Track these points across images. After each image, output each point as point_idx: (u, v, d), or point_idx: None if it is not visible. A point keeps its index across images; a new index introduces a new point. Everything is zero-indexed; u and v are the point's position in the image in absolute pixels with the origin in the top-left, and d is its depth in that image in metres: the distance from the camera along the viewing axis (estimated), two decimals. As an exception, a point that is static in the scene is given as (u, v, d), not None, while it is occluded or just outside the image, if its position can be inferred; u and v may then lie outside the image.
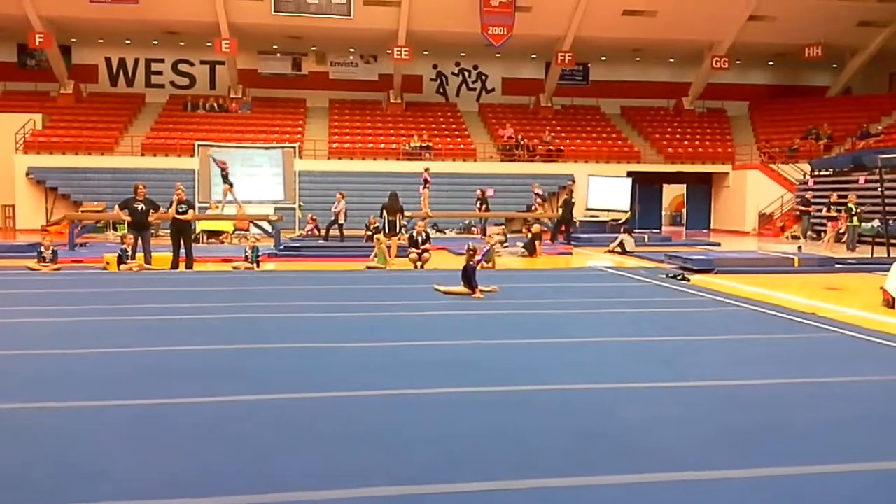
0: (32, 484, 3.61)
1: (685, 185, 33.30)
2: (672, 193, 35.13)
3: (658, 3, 29.06)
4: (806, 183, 27.36)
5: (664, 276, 12.98)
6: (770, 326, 8.32)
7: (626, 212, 26.84)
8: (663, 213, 34.17)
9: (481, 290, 10.16)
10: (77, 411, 4.85)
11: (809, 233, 24.46)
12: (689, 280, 12.46)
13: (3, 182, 27.53)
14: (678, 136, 33.26)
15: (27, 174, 26.87)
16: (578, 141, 31.91)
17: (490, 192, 24.57)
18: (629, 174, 29.30)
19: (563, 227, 21.49)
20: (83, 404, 4.98)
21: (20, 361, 6.24)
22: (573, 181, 29.23)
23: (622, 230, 19.74)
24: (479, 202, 23.80)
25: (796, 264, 14.56)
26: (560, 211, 21.98)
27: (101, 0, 26.92)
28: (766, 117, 34.56)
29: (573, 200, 21.70)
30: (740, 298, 10.37)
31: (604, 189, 28.15)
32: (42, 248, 13.87)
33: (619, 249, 18.43)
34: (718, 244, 21.94)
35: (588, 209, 27.90)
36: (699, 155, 31.80)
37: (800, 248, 19.73)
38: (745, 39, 30.75)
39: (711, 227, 32.01)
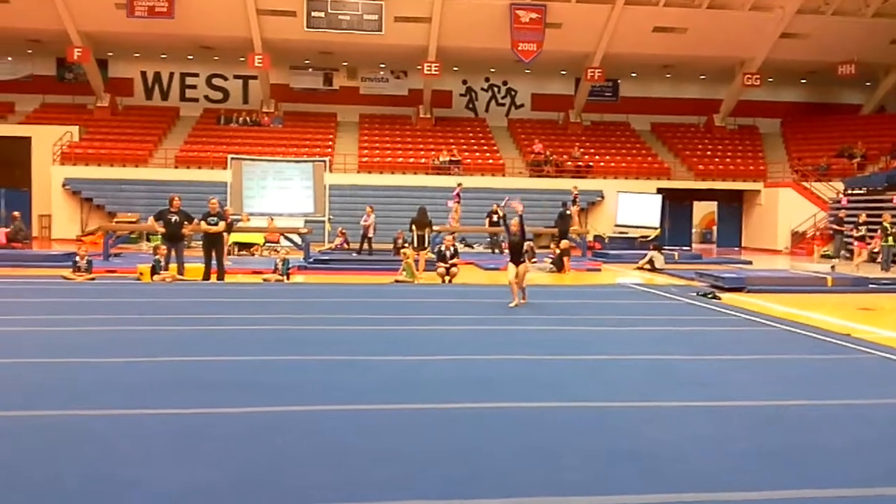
0: (67, 492, 3.68)
1: (716, 203, 33.00)
2: (702, 211, 34.82)
3: (689, 20, 28.96)
4: (839, 202, 26.99)
5: (695, 293, 12.87)
6: (803, 347, 8.22)
7: (656, 228, 26.67)
8: (693, 230, 33.87)
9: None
10: (110, 420, 4.93)
11: (843, 252, 24.10)
12: (720, 298, 12.34)
13: (40, 192, 28.13)
14: (709, 152, 33.01)
15: (63, 185, 27.40)
16: (608, 157, 31.81)
17: (518, 209, 24.54)
18: (659, 191, 29.13)
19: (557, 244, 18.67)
20: (117, 413, 5.06)
21: (55, 370, 6.36)
22: (602, 197, 29.18)
23: (652, 247, 19.61)
24: (493, 215, 23.55)
25: (829, 284, 14.37)
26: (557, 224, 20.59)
27: (138, 15, 27.44)
28: (799, 135, 34.19)
29: (568, 212, 20.96)
30: (772, 318, 10.26)
31: (633, 205, 28.00)
32: (77, 258, 14.12)
33: (648, 266, 18.31)
34: (750, 262, 21.70)
35: (617, 225, 27.76)
36: (730, 172, 31.53)
37: (833, 267, 19.43)
38: (778, 56, 30.50)
39: (742, 245, 31.65)
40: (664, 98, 35.41)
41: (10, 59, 32.20)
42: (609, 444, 4.59)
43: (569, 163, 30.80)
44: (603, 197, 29.28)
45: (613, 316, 10.23)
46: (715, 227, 34.31)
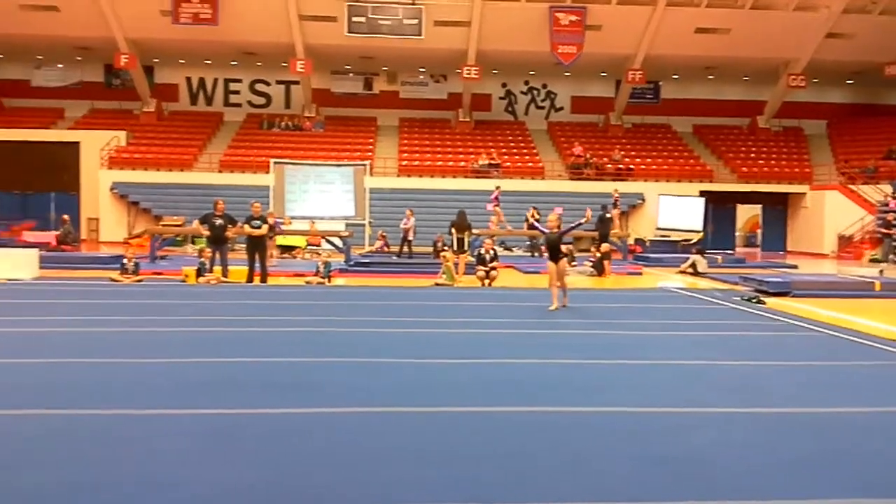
0: (110, 490, 3.78)
1: (760, 206, 32.48)
2: (746, 214, 34.25)
3: (732, 21, 28.59)
4: (887, 205, 26.36)
5: (738, 298, 12.71)
6: (849, 353, 8.07)
7: (699, 232, 26.34)
8: (737, 233, 33.35)
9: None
10: (153, 419, 5.04)
11: (891, 256, 23.55)
12: (764, 303, 12.17)
13: (88, 196, 28.87)
14: (753, 155, 32.51)
15: (111, 189, 28.07)
16: (649, 160, 31.53)
17: (558, 211, 24.42)
18: (701, 193, 28.76)
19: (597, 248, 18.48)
20: (160, 412, 5.18)
21: (102, 370, 6.53)
22: (643, 200, 28.92)
23: (694, 251, 19.38)
24: (531, 219, 23.48)
25: (877, 288, 14.06)
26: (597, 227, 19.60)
27: (183, 22, 27.99)
28: (846, 137, 33.48)
29: (609, 216, 20.58)
30: (818, 323, 10.08)
31: (675, 208, 27.69)
32: (125, 261, 14.45)
33: (690, 270, 18.10)
34: (795, 266, 21.31)
35: (658, 229, 27.48)
36: (775, 175, 31.01)
37: (881, 271, 19.00)
38: (823, 57, 29.92)
39: (787, 248, 31.10)
40: (706, 100, 34.96)
41: (60, 66, 33.09)
42: (646, 449, 4.56)
43: (609, 165, 30.59)
44: (644, 200, 29.02)
45: (654, 320, 10.15)
46: (759, 231, 33.73)
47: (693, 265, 18.17)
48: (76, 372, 6.39)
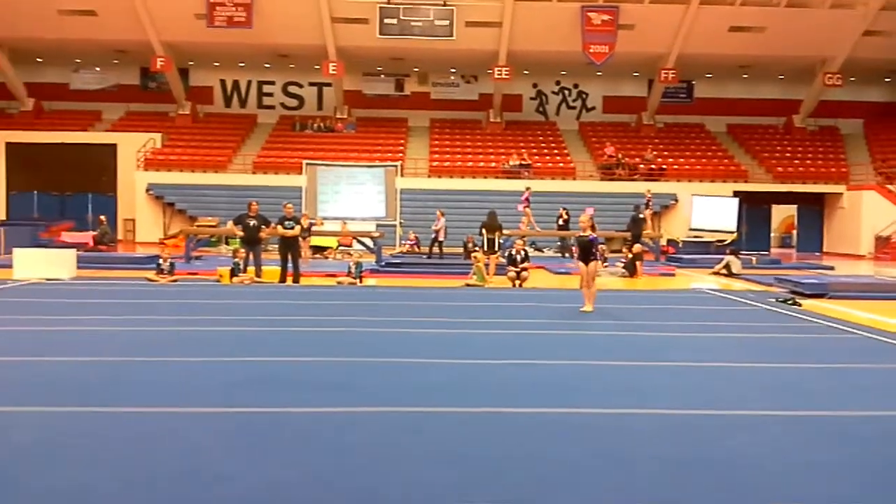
0: (157, 486, 3.87)
1: (796, 206, 32.02)
2: (781, 214, 33.80)
3: (766, 19, 28.21)
4: (928, 205, 25.84)
5: (774, 300, 12.56)
6: (887, 355, 7.95)
7: (732, 232, 26.04)
8: (772, 234, 32.92)
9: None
10: (194, 417, 5.15)
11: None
12: (800, 305, 12.01)
13: (125, 197, 29.38)
14: (788, 154, 32.05)
15: (147, 190, 28.51)
16: (682, 160, 31.24)
17: (590, 211, 24.28)
18: (736, 194, 28.43)
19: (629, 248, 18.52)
20: (199, 410, 5.28)
21: (140, 368, 6.66)
22: (676, 200, 28.67)
23: (728, 251, 19.18)
24: (560, 220, 23.46)
25: (917, 291, 13.79)
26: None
27: (218, 25, 28.34)
28: (883, 136, 32.84)
29: (641, 216, 20.38)
30: (855, 325, 9.93)
31: (708, 209, 27.39)
32: (160, 261, 14.68)
33: (724, 271, 17.92)
34: (832, 268, 20.97)
35: (691, 229, 27.22)
36: (811, 174, 30.54)
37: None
38: (860, 55, 29.39)
39: (823, 249, 30.61)
40: (741, 99, 34.53)
41: (97, 69, 33.67)
42: (682, 452, 4.55)
43: (641, 166, 30.37)
44: (677, 200, 28.77)
45: (688, 321, 10.08)
46: (795, 231, 33.26)
47: (727, 266, 17.98)
48: (117, 370, 6.52)
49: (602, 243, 21.58)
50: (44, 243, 20.33)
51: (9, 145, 29.85)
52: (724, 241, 24.55)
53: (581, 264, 10.97)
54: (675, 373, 6.89)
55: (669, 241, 25.61)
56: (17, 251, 14.83)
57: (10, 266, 14.54)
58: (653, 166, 30.35)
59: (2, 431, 4.73)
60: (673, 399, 5.86)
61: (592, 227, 11.03)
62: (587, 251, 10.87)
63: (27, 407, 5.27)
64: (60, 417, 5.06)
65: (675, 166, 30.64)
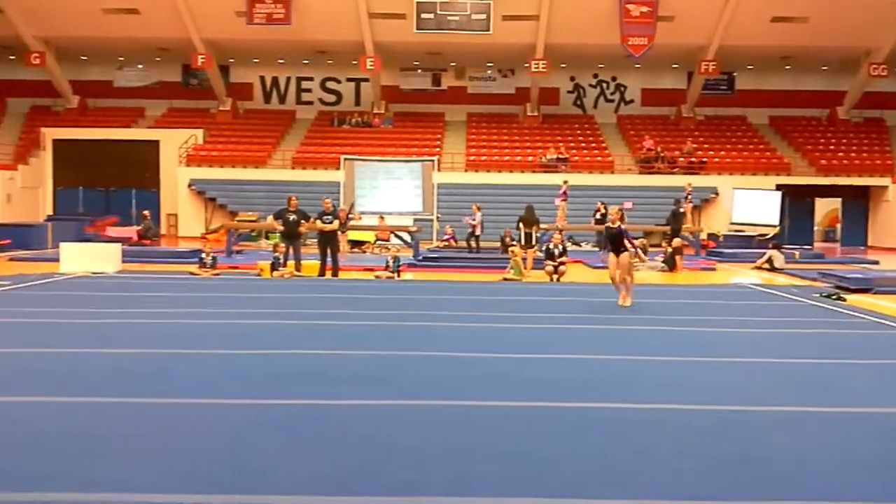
0: (207, 476, 3.96)
1: (840, 199, 31.37)
2: (825, 208, 33.14)
3: (810, 9, 27.63)
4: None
5: (817, 295, 12.35)
6: (936, 352, 7.77)
7: (775, 226, 25.62)
8: (815, 228, 32.31)
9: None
10: (235, 408, 5.23)
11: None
12: (844, 300, 11.79)
13: (167, 192, 29.92)
14: (832, 147, 31.40)
15: (189, 185, 28.98)
16: (723, 153, 30.80)
17: (628, 205, 24.09)
18: (778, 187, 27.96)
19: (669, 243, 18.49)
20: (240, 402, 5.36)
21: (184, 360, 6.79)
22: (717, 194, 28.30)
23: (770, 246, 18.88)
24: (598, 214, 23.30)
25: (967, 286, 13.44)
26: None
27: (257, 22, 28.65)
28: (931, 127, 32.04)
29: (681, 210, 20.12)
30: (901, 321, 9.73)
31: (750, 202, 26.99)
32: (203, 255, 14.93)
33: (766, 266, 17.65)
34: (877, 262, 20.52)
35: (733, 223, 26.85)
36: (855, 167, 29.90)
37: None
38: (907, 45, 28.70)
39: (868, 244, 29.95)
40: (783, 91, 33.90)
41: (140, 66, 34.27)
42: (724, 448, 4.52)
43: (681, 159, 30.01)
44: (717, 194, 28.40)
45: (729, 317, 9.95)
46: (839, 225, 32.60)
47: (769, 260, 17.71)
48: (160, 361, 6.66)
49: (640, 237, 21.39)
50: (89, 238, 20.78)
51: (55, 142, 30.58)
52: (767, 235, 24.17)
53: (612, 255, 10.83)
54: (717, 369, 6.82)
55: (710, 236, 25.30)
56: (63, 245, 15.21)
57: (57, 260, 14.90)
58: (693, 159, 29.98)
59: (53, 420, 4.86)
60: (713, 395, 5.82)
61: (622, 219, 10.90)
62: (617, 242, 10.71)
63: (76, 398, 5.41)
64: (107, 408, 5.19)
65: (716, 159, 30.23)
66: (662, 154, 30.03)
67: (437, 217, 24.63)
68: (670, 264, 17.13)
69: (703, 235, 24.22)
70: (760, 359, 7.24)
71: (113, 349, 7.17)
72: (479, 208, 21.27)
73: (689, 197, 24.45)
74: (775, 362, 7.09)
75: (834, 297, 12.03)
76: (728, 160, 30.20)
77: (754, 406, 5.48)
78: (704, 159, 30.13)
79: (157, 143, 30.64)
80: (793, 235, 27.55)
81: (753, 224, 26.24)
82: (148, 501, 3.61)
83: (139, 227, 23.42)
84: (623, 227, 10.82)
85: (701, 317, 9.93)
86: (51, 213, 29.38)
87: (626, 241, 10.64)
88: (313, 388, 5.78)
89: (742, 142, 32.04)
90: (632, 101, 34.74)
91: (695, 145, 30.72)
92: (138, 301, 10.69)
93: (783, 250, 18.43)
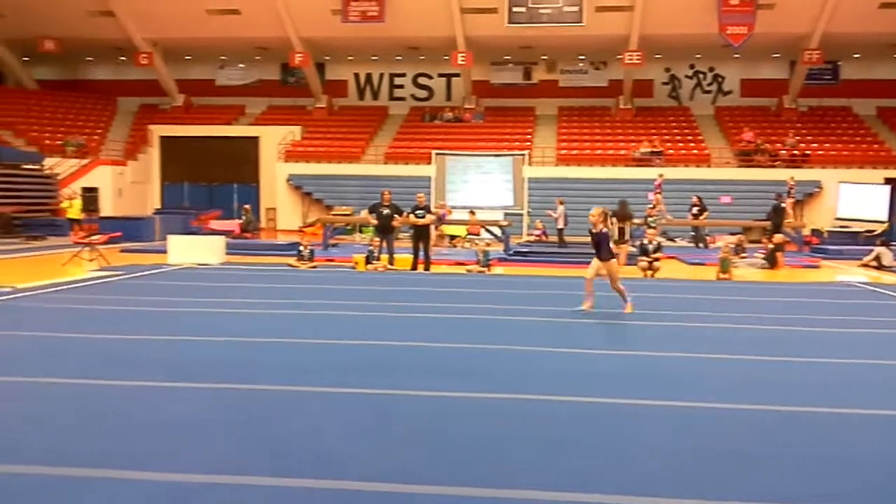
0: (291, 459, 4.15)
1: (956, 194, 29.56)
2: (939, 203, 31.32)
3: (925, -8, 26.19)
4: None
5: (927, 294, 11.76)
6: None
7: (884, 222, 24.41)
8: (928, 224, 30.58)
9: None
10: (325, 396, 5.41)
11: None
12: (958, 300, 11.19)
13: (267, 187, 30.96)
14: (948, 138, 29.67)
15: (287, 180, 29.91)
16: (827, 145, 29.53)
17: (726, 200, 23.47)
18: (887, 181, 26.59)
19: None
20: (332, 390, 5.55)
21: (282, 348, 7.08)
22: (820, 188, 27.20)
23: (878, 242, 18.04)
24: (694, 208, 22.77)
25: None
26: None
27: (352, 20, 29.27)
28: None
29: (783, 205, 19.22)
30: None
31: (856, 197, 25.78)
32: (301, 248, 15.43)
33: (874, 264, 16.88)
34: None
35: (837, 219, 25.73)
36: (972, 159, 28.16)
37: None
38: None
39: None
40: (892, 80, 32.20)
41: (241, 65, 35.56)
42: (812, 450, 4.44)
43: (783, 152, 28.94)
44: (821, 188, 27.28)
45: (833, 316, 9.61)
46: (954, 222, 30.75)
47: (877, 258, 16.93)
48: (256, 350, 6.96)
49: (739, 232, 20.75)
50: (194, 231, 21.75)
51: (162, 139, 32.10)
52: (874, 231, 23.05)
53: (595, 260, 9.96)
54: (814, 368, 6.65)
55: (813, 231, 24.33)
56: (171, 238, 15.98)
57: (164, 251, 15.68)
58: (795, 152, 28.86)
59: (158, 406, 5.14)
60: (808, 395, 5.68)
61: (604, 222, 9.98)
62: (599, 246, 9.88)
63: (180, 383, 5.73)
64: (195, 393, 5.46)
65: (820, 152, 29.03)
66: (763, 147, 29.03)
67: (528, 211, 24.60)
68: (771, 261, 16.61)
69: (806, 231, 23.32)
70: (864, 360, 6.99)
71: (219, 337, 7.50)
72: (561, 202, 21.12)
73: (791, 191, 23.60)
74: (879, 363, 6.83)
75: (948, 296, 11.43)
76: (833, 153, 28.94)
77: (851, 409, 5.31)
78: (807, 152, 28.97)
79: (257, 139, 31.77)
80: (903, 232, 26.17)
81: (860, 220, 25.06)
82: (239, 483, 3.79)
83: (241, 221, 24.33)
84: (606, 230, 9.93)
85: (802, 315, 9.62)
86: (158, 206, 30.90)
87: (610, 246, 9.82)
88: (397, 378, 5.93)
89: (847, 134, 30.62)
90: (730, 93, 33.72)
91: (797, 137, 29.57)
92: (237, 291, 11.11)
93: (892, 247, 17.57)
